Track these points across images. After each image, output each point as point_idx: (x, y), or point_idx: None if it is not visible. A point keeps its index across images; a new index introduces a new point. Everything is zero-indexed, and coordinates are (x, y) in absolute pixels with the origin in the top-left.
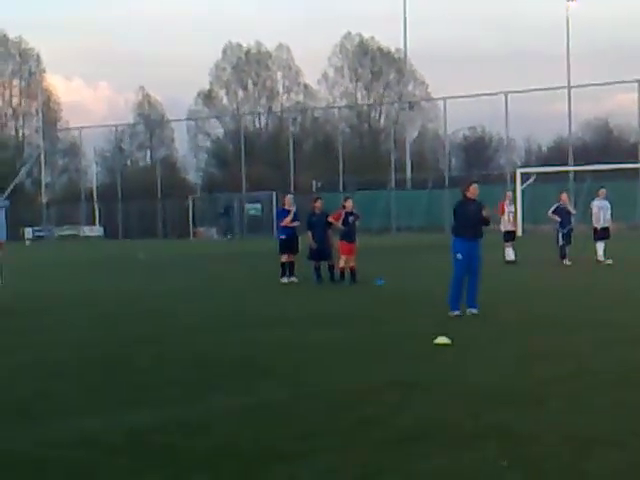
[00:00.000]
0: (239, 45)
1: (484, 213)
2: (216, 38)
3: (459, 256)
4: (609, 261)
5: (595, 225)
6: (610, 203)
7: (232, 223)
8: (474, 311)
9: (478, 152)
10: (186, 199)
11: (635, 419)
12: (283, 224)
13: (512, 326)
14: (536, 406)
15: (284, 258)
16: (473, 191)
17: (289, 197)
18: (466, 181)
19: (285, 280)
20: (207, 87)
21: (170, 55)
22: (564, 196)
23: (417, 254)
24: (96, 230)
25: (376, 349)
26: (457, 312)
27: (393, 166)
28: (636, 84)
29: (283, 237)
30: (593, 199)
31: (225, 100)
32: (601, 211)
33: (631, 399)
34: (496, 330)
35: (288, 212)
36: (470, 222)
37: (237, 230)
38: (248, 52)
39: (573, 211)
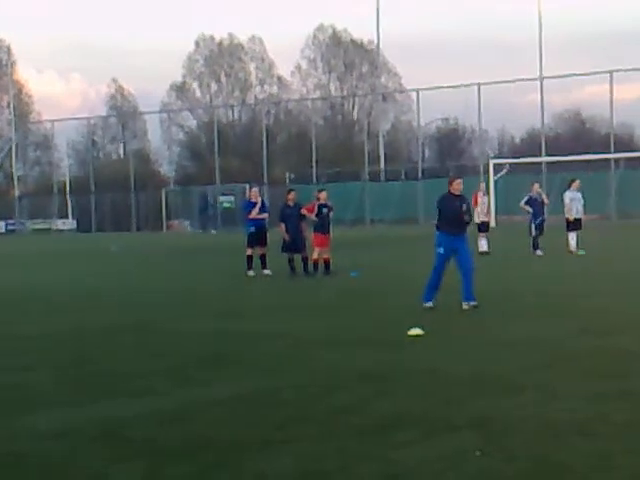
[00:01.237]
0: (212, 37)
1: (466, 218)
2: (189, 30)
3: (441, 250)
4: (581, 252)
5: (567, 216)
6: (582, 194)
7: (211, 217)
8: (473, 303)
9: (451, 143)
10: (159, 192)
11: (611, 407)
12: (251, 216)
13: (486, 316)
14: (512, 395)
15: (249, 251)
16: (457, 186)
17: (255, 189)
18: (451, 176)
19: (252, 273)
20: (180, 79)
21: (143, 47)
22: (536, 187)
23: (391, 246)
24: (69, 223)
25: (352, 339)
26: (430, 304)
27: (367, 158)
28: (608, 75)
29: (252, 230)
30: (565, 190)
31: (198, 92)
32: (573, 202)
33: (606, 387)
34: (470, 320)
35: (254, 204)
36: (453, 217)
37: (210, 223)
38: (221, 44)
39: (547, 200)
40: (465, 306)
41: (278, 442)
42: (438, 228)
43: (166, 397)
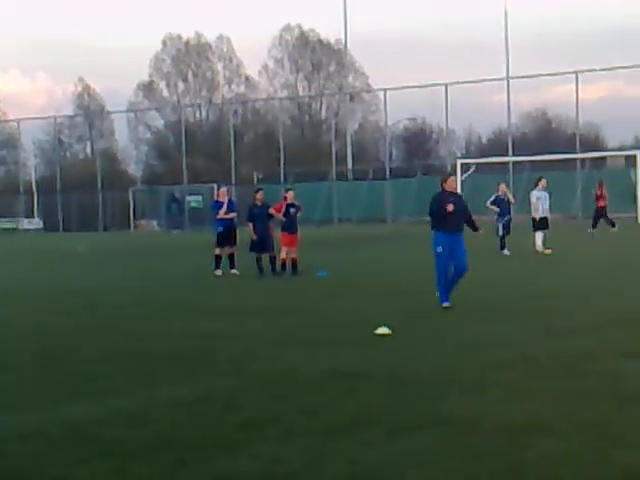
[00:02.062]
0: (179, 36)
1: (449, 208)
2: (156, 29)
3: (439, 249)
4: (548, 251)
5: (534, 215)
6: (549, 193)
7: (176, 215)
8: (446, 304)
9: (419, 143)
10: (127, 191)
11: (571, 407)
12: (218, 216)
13: (452, 315)
14: (476, 394)
15: (218, 251)
16: (451, 183)
17: (223, 189)
18: (444, 174)
19: (219, 273)
20: (147, 78)
21: (109, 45)
22: (502, 186)
23: (359, 245)
24: (35, 223)
25: (319, 339)
26: (447, 304)
27: (334, 157)
28: (574, 75)
29: (220, 229)
30: (532, 189)
31: (165, 91)
32: (539, 201)
33: (566, 387)
34: (436, 320)
35: (222, 204)
36: (450, 215)
37: (176, 221)
38: (188, 43)
39: (513, 200)
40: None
41: (242, 442)
42: (434, 227)
43: (129, 397)
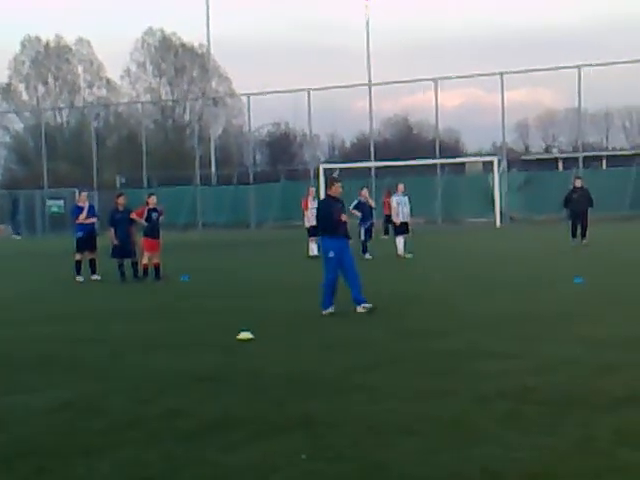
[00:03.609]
0: (38, 38)
1: (342, 218)
2: (14, 30)
3: (331, 254)
4: (409, 255)
5: (395, 220)
6: (409, 198)
7: (22, 219)
8: (367, 305)
9: (283, 148)
10: None
11: (433, 406)
12: (78, 221)
13: (313, 318)
14: (339, 396)
15: (78, 256)
16: (336, 190)
17: (83, 193)
18: (330, 179)
19: (80, 278)
20: (6, 80)
21: None
22: (364, 192)
23: (223, 250)
24: None
25: (182, 343)
26: (330, 309)
27: (198, 162)
28: (432, 83)
29: (80, 234)
30: (393, 194)
31: (25, 94)
32: (400, 206)
33: (429, 387)
34: (298, 322)
35: (83, 208)
36: (336, 220)
37: (39, 228)
38: (47, 45)
39: (373, 204)
40: (360, 309)
41: (102, 448)
42: (325, 233)
43: None
